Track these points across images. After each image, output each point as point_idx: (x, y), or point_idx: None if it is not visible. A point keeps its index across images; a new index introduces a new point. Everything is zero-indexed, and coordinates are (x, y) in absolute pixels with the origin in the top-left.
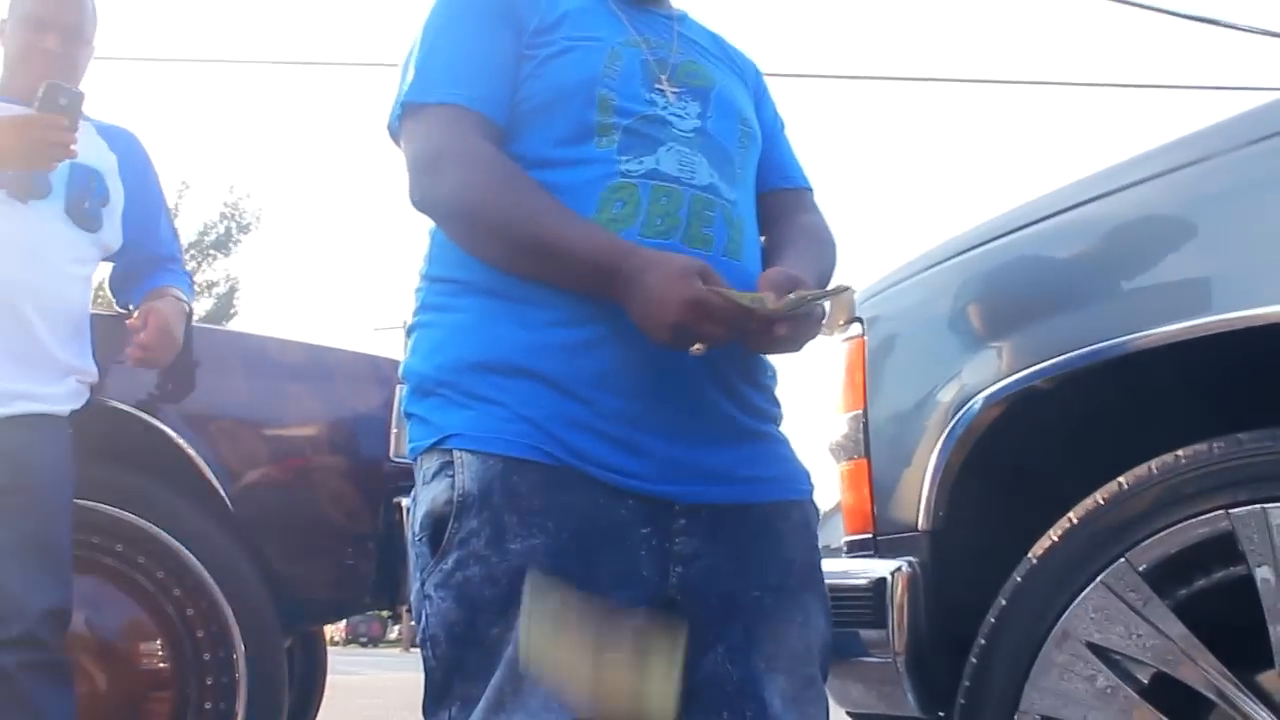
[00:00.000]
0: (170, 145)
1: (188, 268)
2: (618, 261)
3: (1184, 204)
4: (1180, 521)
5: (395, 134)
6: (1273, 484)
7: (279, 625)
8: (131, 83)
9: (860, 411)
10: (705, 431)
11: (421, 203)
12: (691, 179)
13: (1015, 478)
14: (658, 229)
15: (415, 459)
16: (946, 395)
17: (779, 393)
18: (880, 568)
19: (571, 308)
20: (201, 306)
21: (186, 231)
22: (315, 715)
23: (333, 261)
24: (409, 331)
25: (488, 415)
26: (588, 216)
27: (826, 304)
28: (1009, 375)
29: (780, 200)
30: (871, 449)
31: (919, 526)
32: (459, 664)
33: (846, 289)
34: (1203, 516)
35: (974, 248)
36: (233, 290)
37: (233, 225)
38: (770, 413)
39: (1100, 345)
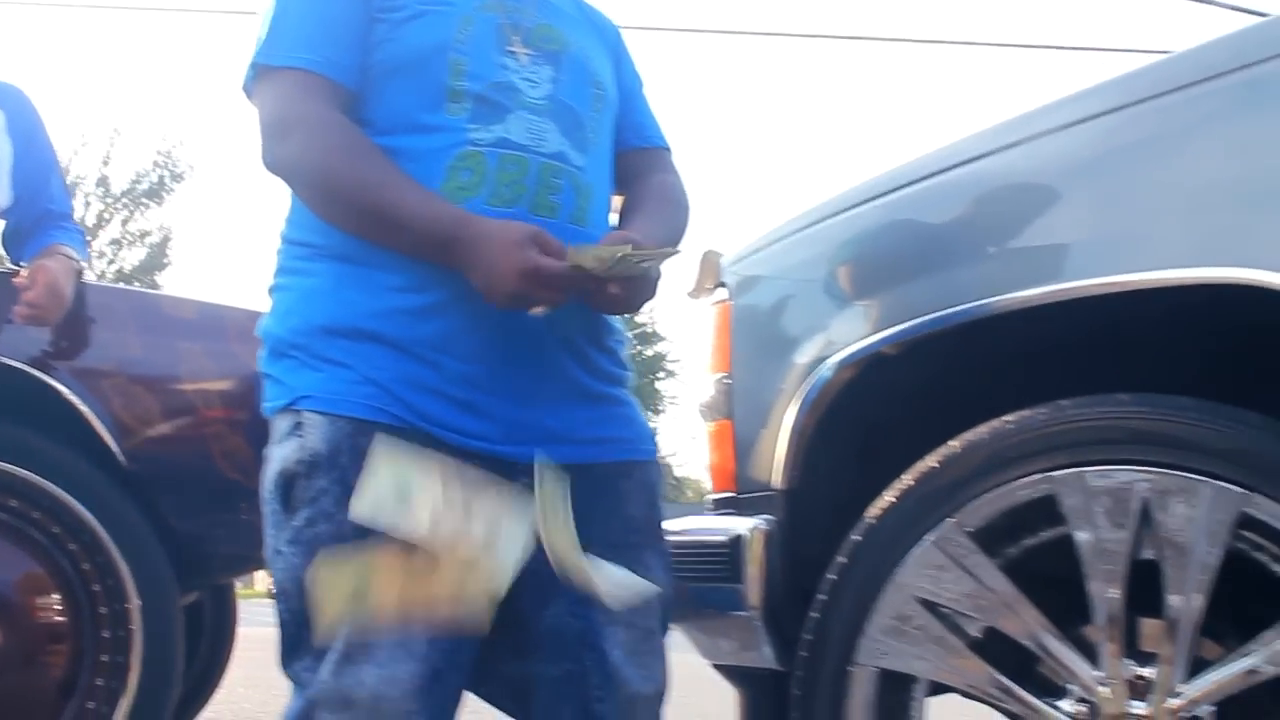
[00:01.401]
0: (102, 91)
1: (119, 215)
2: (454, 231)
3: (1045, 171)
4: (1005, 483)
5: (249, 94)
6: (1091, 448)
7: (174, 580)
8: (60, 25)
9: (725, 374)
10: (549, 394)
11: (271, 166)
12: (540, 147)
13: (870, 439)
14: (504, 198)
15: (270, 419)
16: (803, 359)
17: (624, 357)
18: (738, 525)
19: (417, 274)
20: (134, 256)
21: (119, 180)
22: (226, 666)
23: (270, 213)
24: (269, 293)
25: (336, 378)
26: (436, 185)
27: (659, 265)
28: (860, 340)
29: (637, 159)
30: (735, 410)
31: (776, 486)
32: (310, 618)
33: (674, 251)
34: (1026, 479)
35: (838, 213)
36: (166, 240)
37: (166, 174)
38: (616, 375)
39: (944, 311)
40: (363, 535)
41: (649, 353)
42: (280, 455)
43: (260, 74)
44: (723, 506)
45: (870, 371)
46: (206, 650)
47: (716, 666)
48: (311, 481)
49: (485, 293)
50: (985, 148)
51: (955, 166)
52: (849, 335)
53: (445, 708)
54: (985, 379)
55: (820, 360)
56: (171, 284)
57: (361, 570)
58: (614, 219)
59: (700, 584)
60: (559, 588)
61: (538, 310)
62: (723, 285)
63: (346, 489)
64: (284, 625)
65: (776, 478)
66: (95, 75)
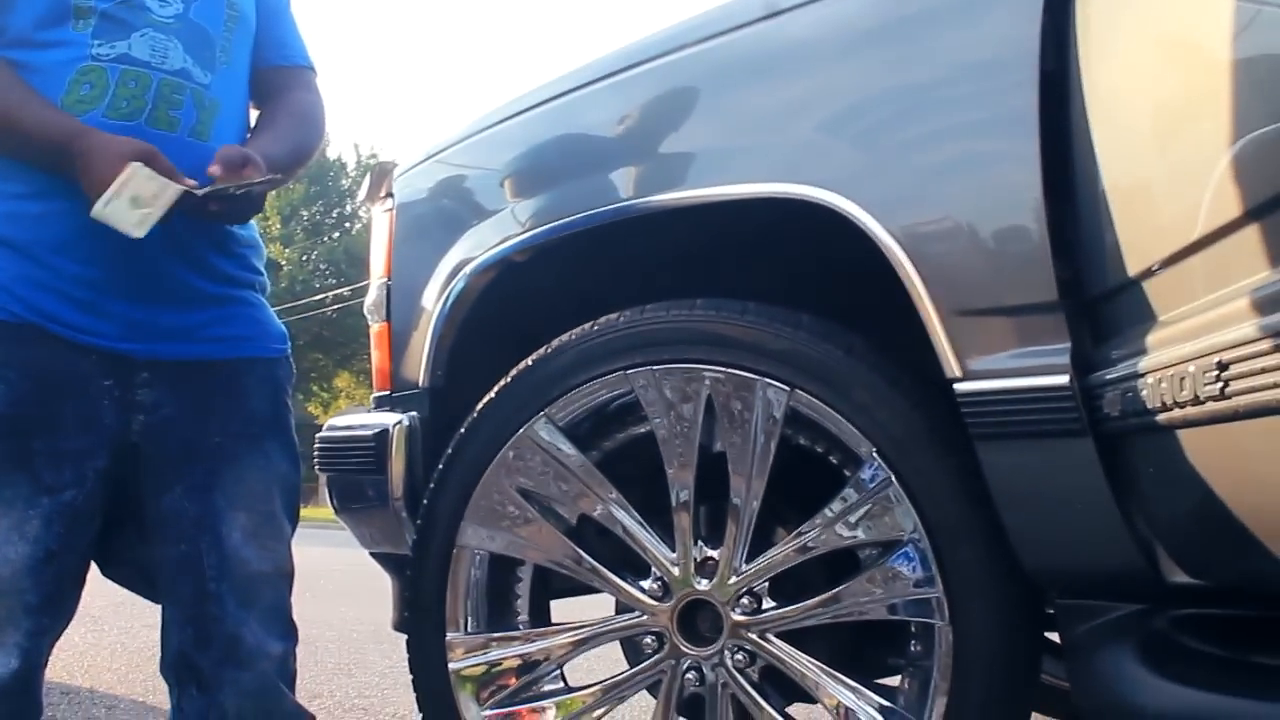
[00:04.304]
0: None
1: None
2: (65, 143)
3: (690, 82)
4: (590, 380)
5: None
6: (665, 348)
7: None
8: None
9: (386, 279)
10: (166, 296)
11: None
12: (163, 64)
13: (515, 340)
14: (122, 111)
15: None
16: (448, 265)
17: (257, 260)
18: (384, 420)
19: (38, 181)
20: None
21: None
22: None
23: None
24: None
25: None
26: (57, 97)
27: (260, 189)
28: (493, 247)
29: (276, 77)
30: (393, 313)
31: (422, 385)
32: None
33: (275, 180)
34: (608, 377)
35: (492, 125)
36: None
37: None
38: (242, 278)
39: (562, 220)
40: None
41: None
42: None
43: None
44: (380, 404)
45: (506, 277)
46: None
47: (372, 555)
48: None
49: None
50: (625, 62)
51: (597, 80)
52: (487, 243)
53: (62, 586)
54: (606, 284)
55: (461, 266)
56: None
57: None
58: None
59: (351, 476)
60: (177, 475)
61: None
62: (391, 194)
63: None
64: None
65: (423, 377)
66: None
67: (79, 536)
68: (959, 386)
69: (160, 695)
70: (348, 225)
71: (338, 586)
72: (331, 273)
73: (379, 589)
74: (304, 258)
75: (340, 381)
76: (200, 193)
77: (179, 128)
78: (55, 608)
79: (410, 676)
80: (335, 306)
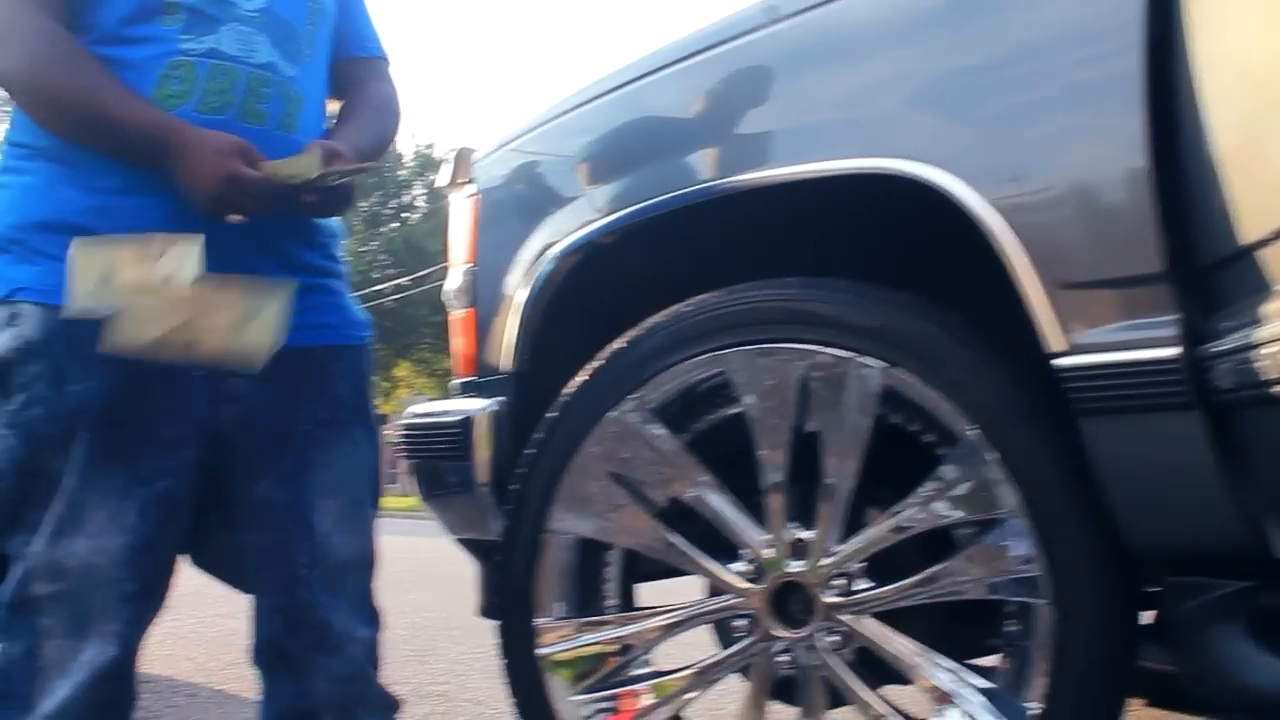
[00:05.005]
0: None
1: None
2: (162, 138)
3: (773, 59)
4: (681, 362)
5: None
6: (756, 328)
7: None
8: None
9: (471, 264)
10: None
11: None
12: (250, 58)
13: (600, 324)
14: (212, 105)
15: None
16: (533, 249)
17: (338, 249)
18: (470, 406)
19: (129, 175)
20: None
21: None
22: None
23: None
24: None
25: (51, 271)
26: (148, 92)
27: (354, 178)
28: (578, 230)
29: (354, 68)
30: (478, 299)
31: (507, 370)
32: (25, 495)
33: (365, 167)
34: (699, 358)
35: (574, 108)
36: None
37: None
38: (326, 267)
39: (648, 202)
40: (74, 417)
41: None
42: None
43: None
44: (465, 391)
45: (592, 260)
46: None
47: (459, 540)
48: (26, 368)
49: (189, 196)
50: (704, 43)
51: (677, 62)
52: (573, 225)
53: (158, 575)
54: (693, 266)
55: (546, 249)
56: None
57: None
58: (332, 124)
59: (437, 463)
60: (267, 464)
61: (235, 218)
62: (472, 180)
63: (59, 375)
64: (1, 503)
65: (508, 362)
66: None
67: (173, 525)
68: (1063, 361)
69: (239, 683)
70: (405, 216)
71: (405, 575)
72: (390, 263)
73: (444, 577)
74: (362, 248)
75: (400, 371)
76: (296, 183)
77: (267, 121)
78: (151, 596)
79: (494, 662)
80: (395, 297)
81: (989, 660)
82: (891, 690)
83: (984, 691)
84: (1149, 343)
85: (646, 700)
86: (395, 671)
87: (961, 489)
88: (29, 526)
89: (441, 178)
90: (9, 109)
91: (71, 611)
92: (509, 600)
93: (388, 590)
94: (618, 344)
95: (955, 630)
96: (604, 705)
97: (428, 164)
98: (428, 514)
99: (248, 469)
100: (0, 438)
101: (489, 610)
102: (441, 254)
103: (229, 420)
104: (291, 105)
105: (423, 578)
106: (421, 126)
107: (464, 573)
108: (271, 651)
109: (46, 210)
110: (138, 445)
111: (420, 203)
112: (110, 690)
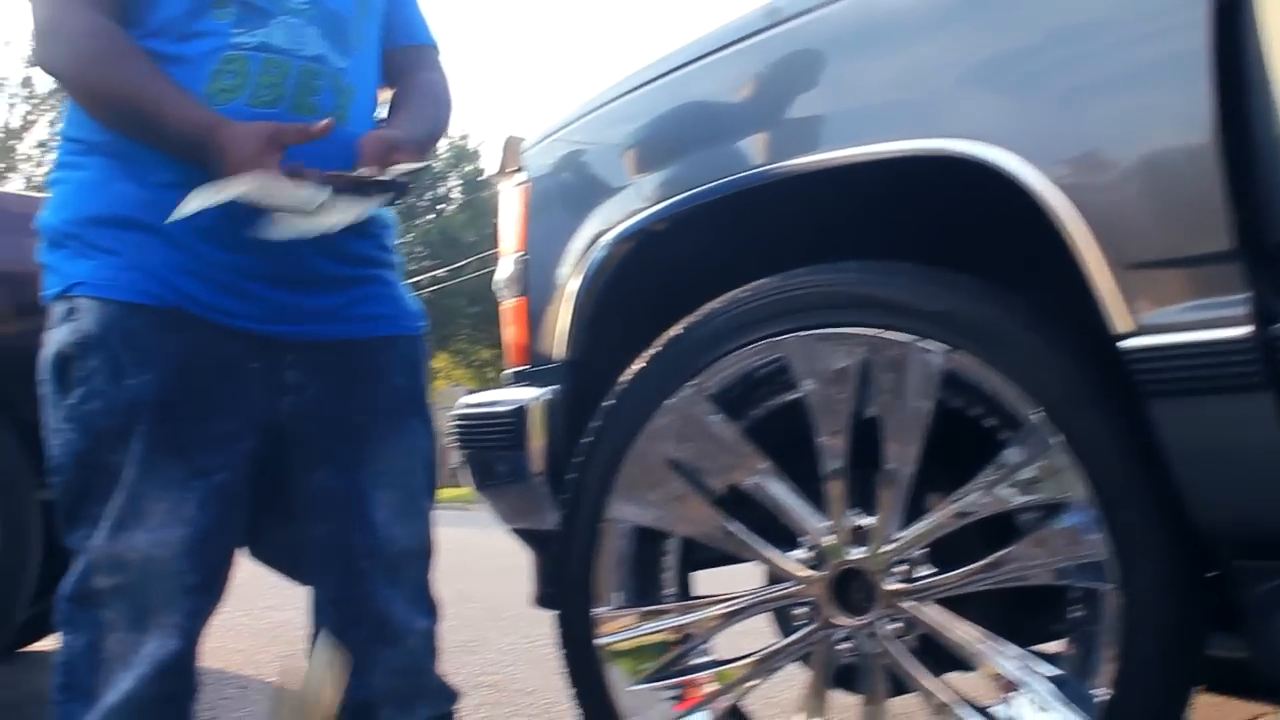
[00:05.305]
0: None
1: (45, 117)
2: (204, 136)
3: (827, 41)
4: (740, 348)
5: None
6: (816, 313)
7: (27, 469)
8: None
9: (522, 252)
10: (307, 278)
11: (43, 67)
12: (301, 50)
13: (653, 311)
14: (264, 99)
15: (48, 305)
16: (585, 237)
17: (390, 239)
18: (523, 395)
19: (183, 170)
20: None
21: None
22: None
23: None
24: (47, 187)
25: (107, 265)
26: (200, 87)
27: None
28: (630, 217)
29: (404, 57)
30: (529, 287)
31: (560, 358)
32: (85, 489)
33: (424, 166)
34: (758, 344)
35: (624, 94)
36: None
37: None
38: (378, 258)
39: (702, 187)
40: (133, 410)
41: None
42: (56, 338)
43: None
44: (517, 380)
45: (645, 247)
46: None
47: (512, 530)
48: (84, 362)
49: None
50: (754, 27)
51: (726, 46)
52: (626, 212)
53: (218, 567)
54: (746, 251)
55: (599, 237)
56: None
57: None
58: (382, 113)
59: (491, 453)
60: (324, 455)
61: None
62: (522, 168)
63: (117, 368)
64: (60, 499)
65: (561, 350)
66: None
67: (232, 518)
68: (1130, 342)
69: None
70: (441, 207)
71: (449, 565)
72: (426, 254)
73: (490, 568)
74: (398, 240)
75: (437, 363)
76: (356, 179)
77: (319, 113)
78: (211, 588)
79: (543, 652)
80: (432, 288)
81: (1047, 646)
82: (952, 677)
83: (1051, 678)
84: (1219, 322)
85: (709, 688)
86: (445, 662)
87: (1025, 473)
88: (89, 520)
89: (489, 167)
90: (64, 104)
91: (133, 604)
92: (567, 590)
93: (435, 581)
94: (675, 330)
95: (1014, 616)
96: (667, 694)
97: (462, 155)
98: (470, 504)
99: (305, 461)
100: (60, 432)
101: (545, 600)
102: (477, 245)
103: (286, 412)
104: (343, 97)
105: (467, 569)
106: (456, 116)
107: (508, 563)
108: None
109: (101, 205)
110: (195, 438)
111: (455, 194)
112: (172, 682)
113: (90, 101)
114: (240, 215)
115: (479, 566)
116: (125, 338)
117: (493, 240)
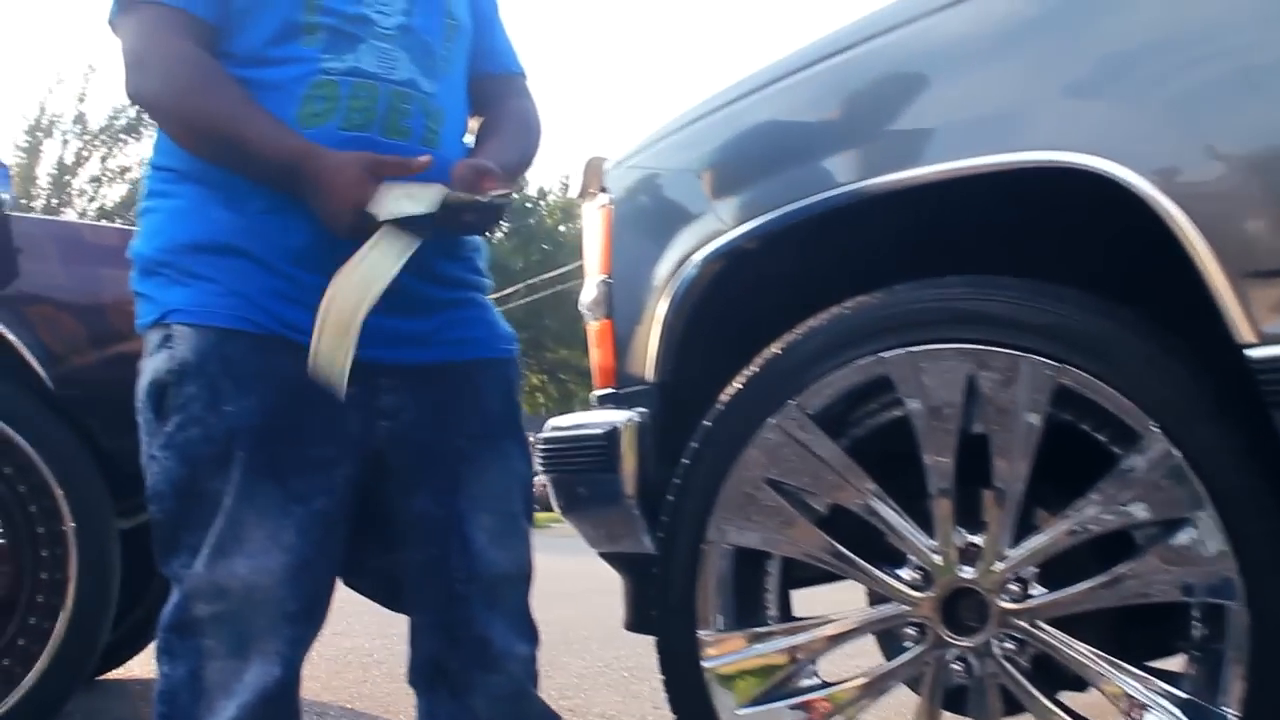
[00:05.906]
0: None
1: (98, 152)
2: (296, 165)
3: (924, 56)
4: (842, 366)
5: (113, 27)
6: (921, 329)
7: (108, 497)
8: None
9: (607, 275)
10: (402, 303)
11: (133, 98)
12: (390, 74)
13: (743, 331)
14: (355, 123)
15: (143, 334)
16: (673, 257)
17: (481, 262)
18: (614, 418)
19: (277, 196)
20: (115, 192)
21: (96, 117)
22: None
23: None
24: (138, 216)
25: (203, 291)
26: (291, 112)
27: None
28: (721, 237)
29: (491, 85)
30: (615, 309)
31: (650, 380)
32: (184, 517)
33: (509, 192)
34: (861, 362)
35: (708, 114)
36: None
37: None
38: (470, 281)
39: (793, 206)
40: (231, 437)
41: None
42: (152, 366)
43: (123, 7)
44: (605, 402)
45: (736, 266)
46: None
47: (602, 554)
48: (181, 389)
49: (325, 223)
50: (845, 43)
51: (816, 63)
52: (715, 231)
53: (318, 594)
54: (839, 269)
55: (687, 257)
56: None
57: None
58: (470, 140)
59: (581, 476)
60: (422, 480)
61: None
62: (605, 190)
63: (214, 395)
64: (158, 526)
65: (651, 372)
66: (67, 12)
67: (331, 544)
68: (1254, 353)
69: (366, 701)
70: (487, 235)
71: None
72: None
73: (556, 592)
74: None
75: None
76: (458, 199)
77: (411, 136)
78: (312, 615)
79: (619, 675)
80: None
81: (1161, 663)
82: (1066, 697)
83: (1179, 702)
84: None
85: (822, 710)
86: None
87: (1143, 488)
88: (188, 548)
89: (533, 192)
90: (154, 132)
91: (234, 632)
92: (668, 614)
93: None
94: (774, 349)
95: (1127, 634)
96: (780, 717)
97: None
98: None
99: (402, 486)
100: (157, 460)
101: (639, 624)
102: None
103: (382, 438)
104: (433, 120)
105: (535, 592)
106: None
107: (575, 587)
108: (431, 669)
109: (196, 232)
110: (294, 464)
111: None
112: (274, 710)
113: (183, 131)
114: (334, 239)
115: (547, 589)
116: (223, 364)
117: (539, 267)
